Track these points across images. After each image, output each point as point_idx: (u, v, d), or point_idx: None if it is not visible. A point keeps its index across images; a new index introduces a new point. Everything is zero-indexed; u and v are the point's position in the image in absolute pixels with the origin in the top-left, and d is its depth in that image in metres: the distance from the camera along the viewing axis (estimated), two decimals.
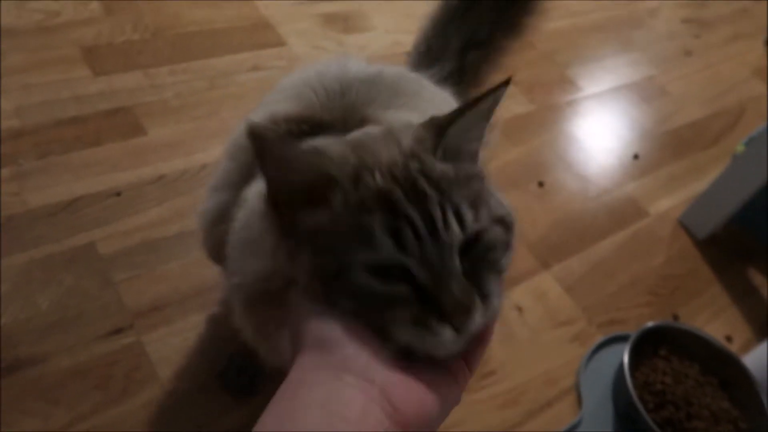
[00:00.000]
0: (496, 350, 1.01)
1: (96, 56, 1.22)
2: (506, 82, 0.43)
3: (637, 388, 0.95)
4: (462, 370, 0.41)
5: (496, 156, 1.34)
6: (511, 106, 1.48)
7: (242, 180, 0.61)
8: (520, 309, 1.07)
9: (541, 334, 1.05)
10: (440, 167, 0.42)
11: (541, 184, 1.31)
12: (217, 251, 0.65)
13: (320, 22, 1.50)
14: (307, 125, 0.61)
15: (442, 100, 0.75)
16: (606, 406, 0.98)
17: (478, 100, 0.43)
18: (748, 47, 2.01)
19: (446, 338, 0.38)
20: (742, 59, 1.94)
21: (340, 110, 0.63)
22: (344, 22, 1.52)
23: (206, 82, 1.25)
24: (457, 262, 0.39)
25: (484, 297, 0.40)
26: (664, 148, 1.53)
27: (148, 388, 0.83)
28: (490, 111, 0.44)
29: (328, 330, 0.37)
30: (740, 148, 1.30)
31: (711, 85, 1.80)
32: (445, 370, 0.40)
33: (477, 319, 0.39)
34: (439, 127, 0.43)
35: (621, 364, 0.95)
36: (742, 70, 1.89)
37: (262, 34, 1.41)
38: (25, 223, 0.94)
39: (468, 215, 0.40)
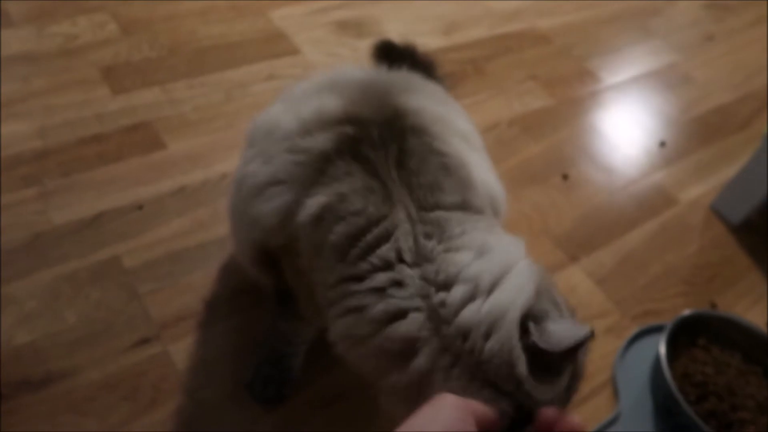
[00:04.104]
0: None
1: (115, 75, 1.24)
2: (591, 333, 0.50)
3: (677, 380, 0.91)
4: None
5: (518, 152, 1.32)
6: (530, 102, 1.46)
7: (309, 182, 0.64)
8: None
9: None
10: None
11: (565, 177, 1.28)
12: (282, 248, 0.68)
13: (334, 29, 1.51)
14: (352, 126, 0.65)
15: (438, 90, 0.83)
16: (644, 400, 0.94)
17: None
18: None
19: None
20: (766, 42, 1.88)
21: (376, 103, 0.68)
22: (357, 29, 1.52)
23: (223, 95, 1.26)
24: None
25: None
26: (692, 134, 1.49)
27: (175, 398, 0.83)
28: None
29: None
30: None
31: (737, 69, 1.75)
32: None
33: None
34: None
35: (657, 356, 0.92)
36: (766, 53, 1.83)
37: (276, 45, 1.42)
38: (51, 241, 0.96)
39: None
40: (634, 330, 1.03)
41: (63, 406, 0.80)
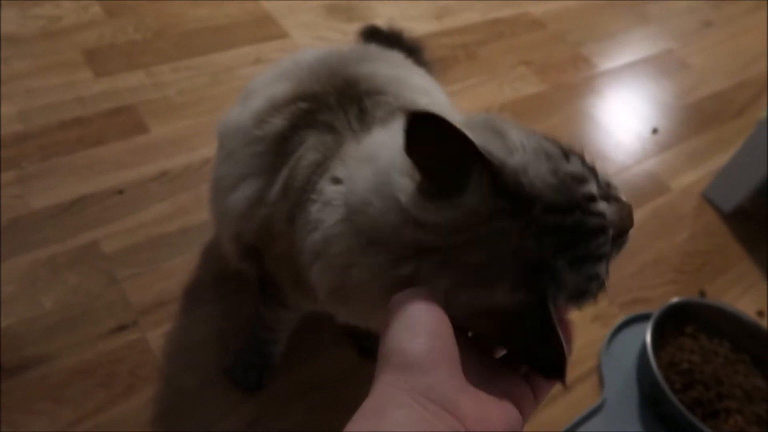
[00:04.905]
0: None
1: (98, 58, 1.21)
2: None
3: (662, 368, 0.90)
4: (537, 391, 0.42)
5: None
6: (522, 88, 1.43)
7: (273, 167, 0.65)
8: None
9: None
10: None
11: None
12: (257, 235, 0.68)
13: (323, 13, 1.48)
14: (305, 102, 0.66)
15: (397, 57, 0.81)
16: (630, 388, 0.93)
17: None
18: None
19: None
20: (765, 29, 1.85)
21: (326, 77, 0.68)
22: (347, 12, 1.50)
23: (209, 78, 1.24)
24: None
25: None
26: (686, 121, 1.47)
27: (153, 385, 0.82)
28: None
29: (414, 354, 0.37)
30: (765, 114, 1.23)
31: (733, 56, 1.73)
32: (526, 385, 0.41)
33: None
34: None
35: (644, 344, 0.91)
36: (765, 40, 1.81)
37: (264, 28, 1.39)
38: (28, 225, 0.94)
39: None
40: (621, 318, 1.01)
41: (39, 391, 0.79)
